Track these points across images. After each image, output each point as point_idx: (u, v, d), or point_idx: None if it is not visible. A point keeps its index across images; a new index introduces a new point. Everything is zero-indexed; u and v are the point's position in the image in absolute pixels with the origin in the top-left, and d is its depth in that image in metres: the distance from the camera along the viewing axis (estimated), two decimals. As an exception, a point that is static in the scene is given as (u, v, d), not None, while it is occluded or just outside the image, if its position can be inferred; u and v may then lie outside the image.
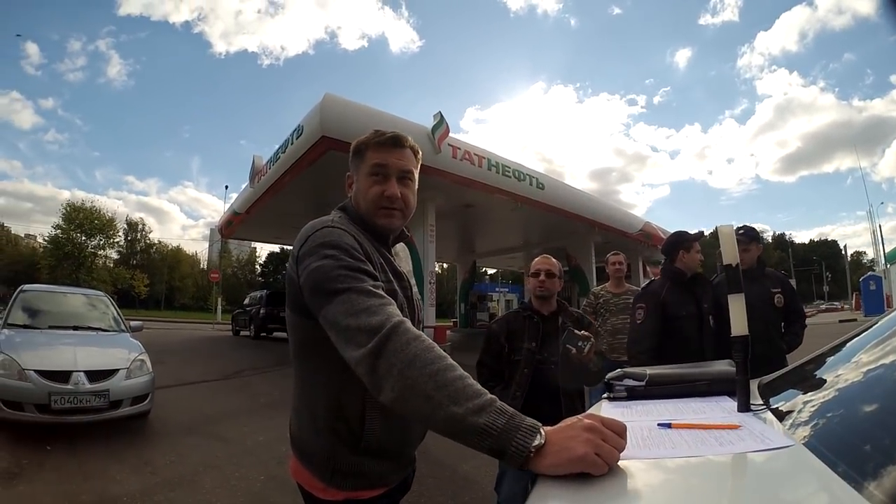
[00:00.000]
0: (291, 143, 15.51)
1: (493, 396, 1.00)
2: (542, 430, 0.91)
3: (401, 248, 1.70)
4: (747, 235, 3.83)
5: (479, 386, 1.01)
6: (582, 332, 2.56)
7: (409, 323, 1.14)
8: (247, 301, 25.09)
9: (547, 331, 2.87)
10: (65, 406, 5.16)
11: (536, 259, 3.06)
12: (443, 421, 0.98)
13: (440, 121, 15.73)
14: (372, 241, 1.46)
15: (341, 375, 1.26)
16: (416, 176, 1.57)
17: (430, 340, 1.11)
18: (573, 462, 0.83)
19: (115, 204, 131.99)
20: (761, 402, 1.23)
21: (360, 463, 1.38)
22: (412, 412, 1.04)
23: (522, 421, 0.93)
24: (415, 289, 1.62)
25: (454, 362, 1.06)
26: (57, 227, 45.24)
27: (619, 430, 0.89)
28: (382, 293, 1.22)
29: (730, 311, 1.23)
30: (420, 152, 1.59)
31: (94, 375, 5.43)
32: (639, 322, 3.55)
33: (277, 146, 17.28)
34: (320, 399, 1.39)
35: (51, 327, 6.45)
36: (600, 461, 0.82)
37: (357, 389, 1.28)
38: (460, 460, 4.86)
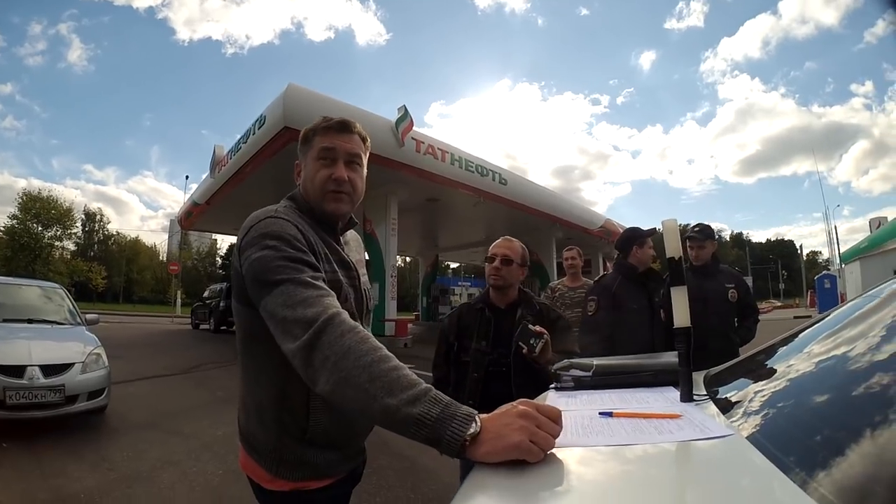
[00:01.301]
0: (253, 133, 15.34)
1: (429, 386, 1.01)
2: (477, 419, 0.93)
3: (352, 237, 1.70)
4: (703, 233, 3.91)
5: (414, 376, 1.02)
6: (536, 327, 2.23)
7: (345, 315, 1.14)
8: (206, 294, 24.68)
9: (501, 326, 2.46)
10: (20, 402, 5.03)
11: (496, 242, 2.62)
12: (378, 412, 0.99)
13: (404, 114, 15.70)
14: (318, 229, 1.46)
15: (286, 366, 1.23)
16: (365, 162, 1.57)
17: (366, 332, 1.11)
18: (508, 450, 0.85)
19: (72, 193, 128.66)
20: (705, 392, 1.26)
21: (306, 453, 1.38)
22: (348, 404, 1.04)
23: (458, 409, 0.95)
24: (364, 278, 1.61)
25: (389, 353, 1.06)
26: (13, 217, 43.85)
27: (553, 416, 0.91)
28: (322, 284, 1.22)
29: (672, 303, 1.26)
30: (368, 139, 1.58)
31: (48, 370, 5.29)
32: (590, 314, 3.62)
33: (239, 136, 17.06)
34: (266, 390, 1.39)
35: (5, 321, 6.23)
36: (535, 448, 0.84)
37: (303, 383, 1.25)
38: (420, 452, 4.87)
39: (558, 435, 0.90)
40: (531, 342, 2.15)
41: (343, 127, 1.49)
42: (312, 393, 1.32)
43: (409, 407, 0.96)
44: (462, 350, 2.53)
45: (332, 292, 1.23)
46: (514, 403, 0.95)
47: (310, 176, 1.48)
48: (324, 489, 1.42)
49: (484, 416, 0.94)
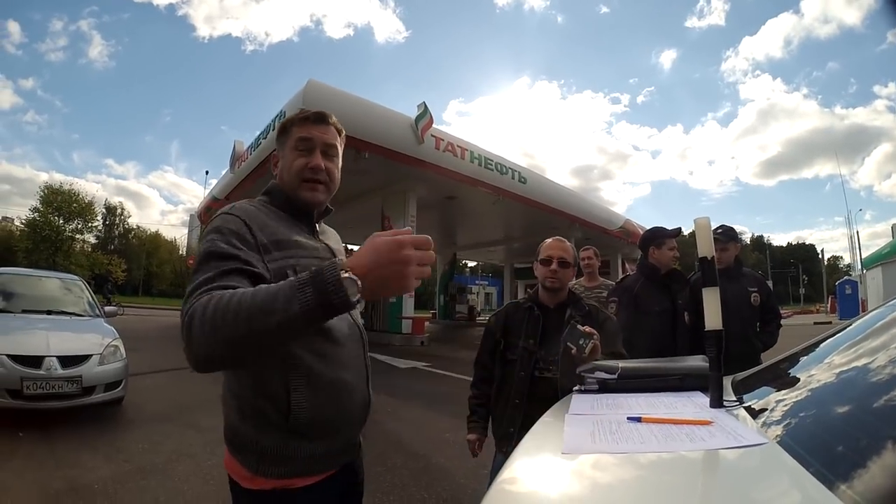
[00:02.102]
0: (273, 129, 15.38)
1: (290, 280, 1.04)
2: (354, 278, 0.99)
3: (329, 228, 1.73)
4: (726, 235, 3.85)
5: (273, 286, 1.04)
6: (586, 327, 2.09)
7: (215, 296, 1.08)
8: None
9: (550, 325, 2.40)
10: (37, 392, 5.07)
11: (548, 242, 2.54)
12: (271, 337, 1.01)
13: (424, 111, 15.70)
14: (291, 221, 1.48)
15: None
16: (340, 153, 1.58)
17: (230, 291, 1.08)
18: (394, 294, 1.02)
19: (93, 187, 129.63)
20: (734, 398, 1.23)
21: (289, 445, 1.32)
22: (246, 354, 1.07)
23: (326, 281, 0.99)
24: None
25: (251, 288, 1.07)
26: (35, 209, 44.47)
27: (425, 245, 1.01)
28: (223, 278, 1.16)
29: (704, 304, 1.22)
30: (343, 132, 1.60)
31: (66, 361, 5.33)
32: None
33: (259, 132, 17.15)
34: (243, 379, 1.36)
35: (24, 311, 6.31)
36: (414, 283, 1.00)
37: (279, 363, 1.29)
38: (434, 451, 4.86)
39: (433, 261, 1.03)
40: (580, 342, 2.02)
41: (320, 118, 1.52)
42: (292, 375, 1.30)
43: (288, 312, 0.99)
44: (508, 348, 2.49)
45: (236, 285, 1.15)
46: (386, 240, 1.03)
47: (287, 165, 1.51)
48: (309, 488, 1.36)
49: (354, 261, 1.02)
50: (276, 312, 0.99)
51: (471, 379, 2.67)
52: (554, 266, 2.43)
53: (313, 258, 1.42)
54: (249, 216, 1.35)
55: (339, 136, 1.57)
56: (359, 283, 0.99)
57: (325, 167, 1.49)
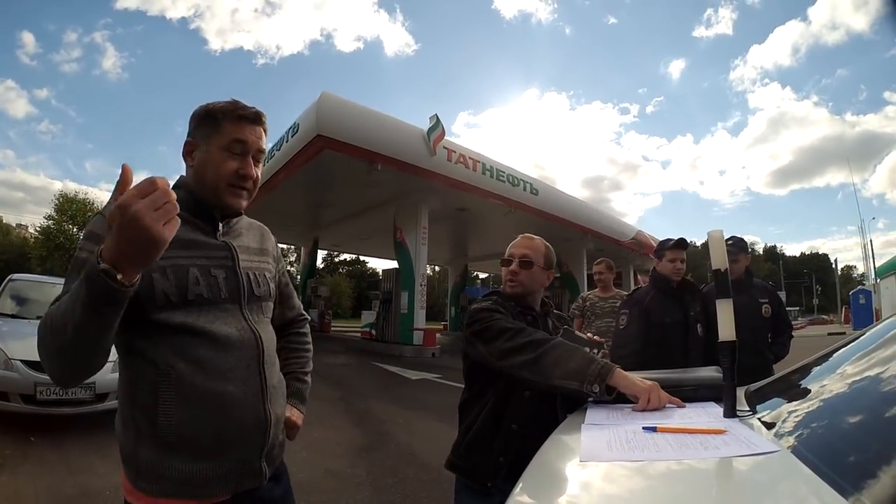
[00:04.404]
0: (286, 141, 15.53)
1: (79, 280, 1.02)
2: (104, 266, 0.95)
3: (252, 224, 1.62)
4: (736, 246, 3.84)
5: (74, 289, 1.04)
6: (587, 334, 1.93)
7: (50, 311, 1.10)
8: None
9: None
10: (50, 397, 5.12)
11: (514, 241, 2.15)
12: (79, 340, 1.03)
13: (436, 123, 15.74)
14: (189, 216, 1.30)
15: (131, 357, 1.22)
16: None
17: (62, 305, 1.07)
18: (157, 250, 0.96)
19: (106, 196, 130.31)
20: (748, 408, 1.23)
21: (162, 461, 1.20)
22: (78, 358, 1.08)
23: (90, 272, 0.97)
24: (252, 264, 1.48)
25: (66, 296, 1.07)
26: (49, 217, 44.86)
27: (147, 189, 0.94)
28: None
29: (717, 316, 1.22)
30: (268, 131, 1.50)
31: (80, 367, 5.35)
32: (622, 328, 3.55)
33: (271, 144, 17.28)
34: (125, 385, 1.28)
35: (38, 317, 6.29)
36: (163, 230, 0.94)
37: (148, 369, 1.22)
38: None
39: (173, 205, 0.96)
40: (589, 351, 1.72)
41: (257, 119, 1.41)
42: (161, 383, 1.21)
43: (75, 314, 1.00)
44: None
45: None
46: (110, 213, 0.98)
47: (214, 164, 1.36)
48: None
49: (104, 246, 0.96)
50: (73, 314, 0.99)
51: None
52: (514, 266, 2.02)
53: (199, 257, 1.33)
54: None
55: (266, 136, 1.47)
56: (103, 265, 0.95)
57: (253, 175, 1.41)
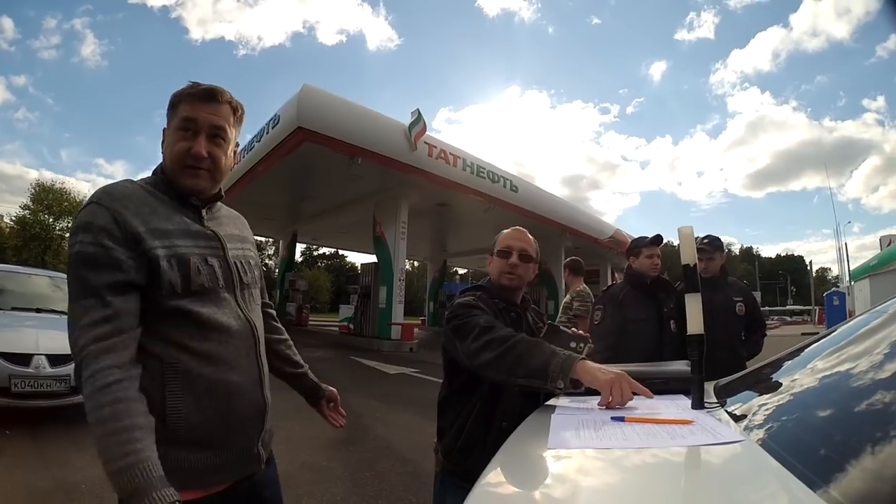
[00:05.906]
0: (267, 133, 15.42)
1: (138, 450, 1.04)
2: None
3: (231, 213, 1.58)
4: (711, 245, 3.88)
5: (127, 438, 1.04)
6: (573, 329, 1.91)
7: (102, 359, 1.09)
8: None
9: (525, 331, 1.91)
10: (25, 390, 5.05)
11: (507, 232, 2.12)
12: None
13: (418, 118, 15.72)
14: (174, 203, 1.32)
15: (141, 352, 1.17)
16: (233, 135, 1.41)
17: (114, 375, 1.08)
18: None
19: (83, 186, 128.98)
20: (717, 401, 1.26)
21: (168, 454, 1.14)
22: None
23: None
24: (239, 252, 1.46)
25: (118, 407, 1.06)
26: (25, 207, 44.08)
27: None
28: (107, 306, 1.13)
29: (686, 309, 1.26)
30: (242, 111, 1.43)
31: (55, 359, 5.30)
32: (596, 323, 3.60)
33: (251, 136, 17.14)
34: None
35: (13, 308, 6.27)
36: None
37: (157, 364, 1.19)
38: (423, 456, 4.85)
39: None
40: (572, 346, 1.75)
41: (209, 95, 1.33)
42: (169, 379, 1.19)
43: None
44: None
45: (116, 313, 1.14)
46: None
47: (169, 147, 1.32)
48: (195, 502, 1.22)
49: None
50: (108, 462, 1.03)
51: None
52: (514, 259, 1.99)
53: (196, 246, 1.30)
54: (122, 203, 1.21)
55: (235, 113, 1.40)
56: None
57: (209, 153, 1.32)
